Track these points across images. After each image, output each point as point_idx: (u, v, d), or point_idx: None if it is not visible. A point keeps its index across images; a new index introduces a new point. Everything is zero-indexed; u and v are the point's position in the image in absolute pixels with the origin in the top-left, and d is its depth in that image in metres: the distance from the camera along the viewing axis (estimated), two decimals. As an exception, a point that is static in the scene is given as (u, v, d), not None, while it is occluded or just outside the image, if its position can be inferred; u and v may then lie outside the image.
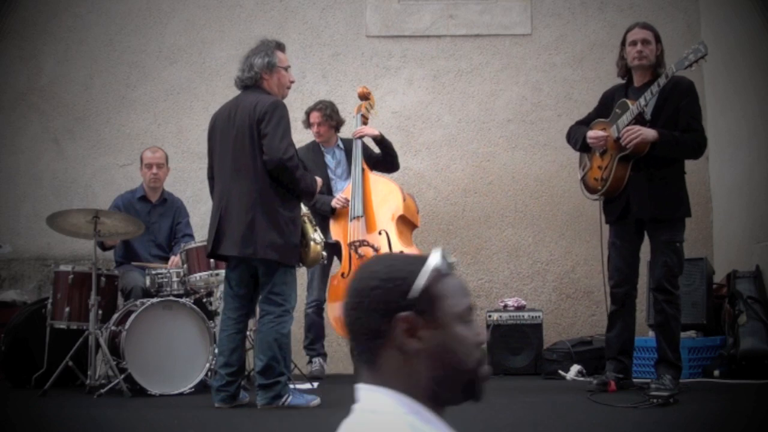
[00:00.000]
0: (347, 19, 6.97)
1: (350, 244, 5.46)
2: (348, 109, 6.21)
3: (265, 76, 4.29)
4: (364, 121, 5.88)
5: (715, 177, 6.67)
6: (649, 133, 4.43)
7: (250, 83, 4.29)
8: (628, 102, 4.56)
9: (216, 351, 4.98)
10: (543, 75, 6.90)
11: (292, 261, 4.20)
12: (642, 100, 4.48)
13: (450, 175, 6.84)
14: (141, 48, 6.95)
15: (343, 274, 5.52)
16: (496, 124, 6.88)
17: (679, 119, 4.52)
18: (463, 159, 6.85)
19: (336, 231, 5.63)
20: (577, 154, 5.02)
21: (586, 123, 4.83)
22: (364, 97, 5.92)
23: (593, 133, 4.66)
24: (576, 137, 4.81)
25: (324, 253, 4.37)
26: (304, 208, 4.34)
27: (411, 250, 5.43)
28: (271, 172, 4.12)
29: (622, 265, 4.66)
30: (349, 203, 5.57)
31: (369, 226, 5.52)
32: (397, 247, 5.42)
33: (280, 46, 4.37)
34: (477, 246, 6.76)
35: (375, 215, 5.56)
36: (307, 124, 5.89)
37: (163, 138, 6.73)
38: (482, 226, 6.79)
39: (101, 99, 6.93)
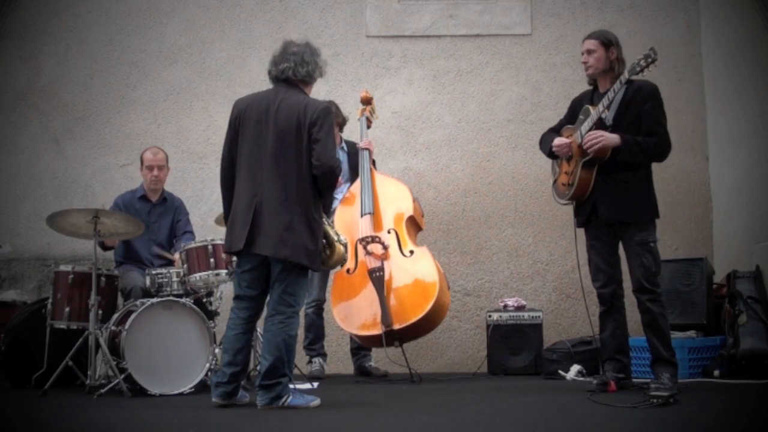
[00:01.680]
0: (347, 19, 6.97)
1: (361, 240, 5.49)
2: (348, 109, 6.21)
3: (311, 81, 4.35)
4: (368, 124, 5.97)
5: (715, 177, 6.67)
6: (612, 139, 4.50)
7: (298, 81, 4.25)
8: (590, 108, 4.65)
9: (216, 350, 5.00)
10: (543, 75, 6.90)
11: (317, 266, 4.21)
12: (600, 106, 4.57)
13: (450, 175, 6.84)
14: (141, 48, 6.95)
15: (348, 271, 5.53)
16: (496, 124, 6.88)
17: (642, 123, 4.57)
18: (463, 159, 6.85)
19: (341, 228, 5.64)
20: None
21: (556, 130, 4.93)
22: (367, 101, 6.00)
23: (557, 141, 4.76)
24: (546, 144, 4.91)
25: (347, 255, 4.38)
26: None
27: (421, 251, 5.47)
28: (318, 176, 4.11)
29: (603, 266, 4.72)
30: (360, 200, 5.61)
31: (376, 224, 5.56)
32: (407, 246, 5.46)
33: None
34: (477, 246, 6.76)
35: (382, 214, 5.61)
36: None
37: (163, 138, 6.73)
38: (482, 226, 6.79)
39: (101, 99, 6.93)
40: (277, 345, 4.08)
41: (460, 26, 6.95)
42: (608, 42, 4.68)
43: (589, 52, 4.69)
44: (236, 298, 4.31)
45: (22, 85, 6.93)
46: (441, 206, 6.76)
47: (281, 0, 7.00)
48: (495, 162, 6.85)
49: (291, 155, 4.11)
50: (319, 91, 6.75)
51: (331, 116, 4.19)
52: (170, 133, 6.86)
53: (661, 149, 4.59)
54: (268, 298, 4.27)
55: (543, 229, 6.76)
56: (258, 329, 4.89)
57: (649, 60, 4.47)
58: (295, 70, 4.24)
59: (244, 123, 4.22)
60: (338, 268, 5.55)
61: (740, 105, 6.22)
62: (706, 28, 6.78)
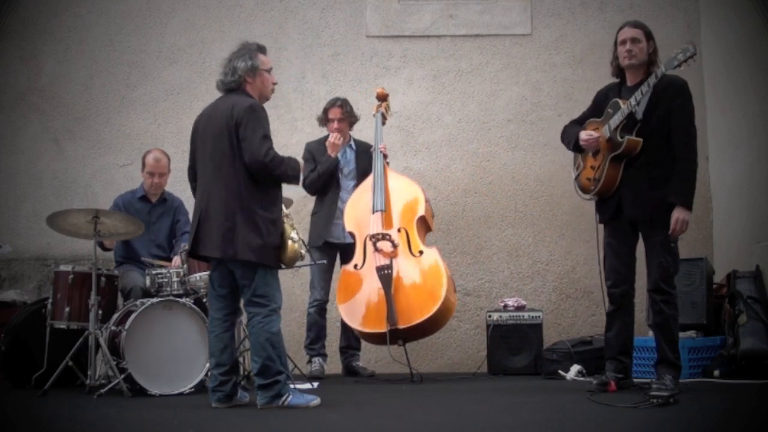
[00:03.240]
0: (347, 19, 6.98)
1: (371, 237, 5.50)
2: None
3: (248, 80, 4.33)
4: (383, 120, 6.01)
5: (715, 177, 6.67)
6: (684, 214, 4.43)
7: (234, 86, 4.33)
8: (620, 102, 4.56)
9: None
10: (543, 75, 6.90)
11: (271, 262, 4.20)
12: (633, 100, 4.48)
13: (450, 175, 6.84)
14: (141, 48, 6.96)
15: (356, 266, 5.55)
16: (496, 124, 6.88)
17: (672, 120, 4.49)
18: (463, 159, 6.85)
19: (351, 223, 5.67)
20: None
21: (580, 122, 4.84)
22: (383, 98, 6.08)
23: (585, 134, 4.67)
24: (569, 137, 4.82)
25: (302, 251, 4.36)
26: (285, 209, 4.34)
27: (430, 251, 5.49)
28: (255, 174, 4.16)
29: (618, 265, 4.67)
30: (372, 197, 5.62)
31: (387, 222, 5.58)
32: (416, 246, 5.48)
33: (262, 49, 4.40)
34: (477, 246, 6.76)
35: (394, 212, 5.63)
36: (324, 120, 5.96)
37: (163, 138, 6.73)
38: (482, 226, 6.79)
39: (101, 99, 6.93)
40: (262, 345, 4.10)
41: (460, 26, 6.95)
42: (650, 34, 4.60)
43: (634, 41, 4.56)
44: (210, 299, 4.37)
45: (22, 85, 6.94)
46: (441, 206, 6.75)
47: (281, 0, 7.00)
48: (495, 162, 6.85)
49: (226, 157, 4.18)
50: (319, 91, 6.81)
51: (257, 112, 4.20)
52: (170, 133, 6.86)
53: (693, 165, 4.50)
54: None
55: (543, 229, 6.76)
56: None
57: (689, 54, 4.37)
58: (224, 81, 4.38)
59: (196, 137, 4.40)
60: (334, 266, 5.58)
61: (740, 105, 6.22)
62: (706, 28, 6.78)
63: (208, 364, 4.95)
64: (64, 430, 3.82)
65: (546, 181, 6.76)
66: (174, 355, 4.93)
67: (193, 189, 4.43)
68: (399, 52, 6.94)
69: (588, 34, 6.88)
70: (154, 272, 5.22)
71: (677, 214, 4.42)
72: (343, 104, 5.93)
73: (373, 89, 6.48)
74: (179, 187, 6.38)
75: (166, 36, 6.97)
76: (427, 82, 6.93)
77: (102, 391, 4.75)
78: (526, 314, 5.96)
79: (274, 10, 6.99)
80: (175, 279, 5.19)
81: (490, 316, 5.99)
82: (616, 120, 4.53)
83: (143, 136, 6.82)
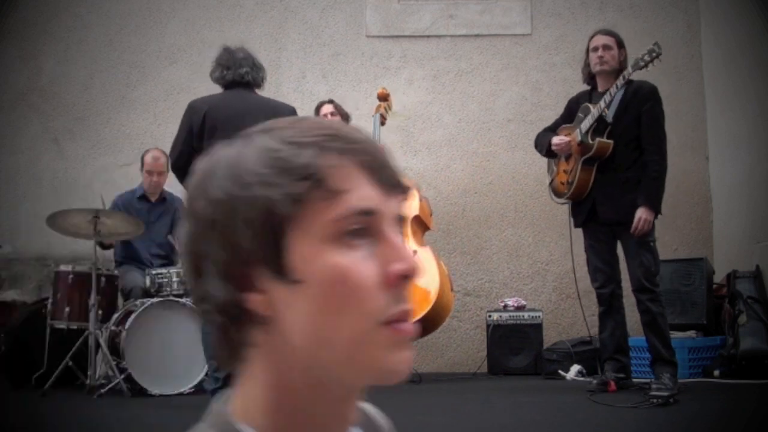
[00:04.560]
0: (347, 19, 6.98)
1: None
2: (348, 108, 6.20)
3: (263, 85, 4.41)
4: (383, 121, 6.01)
5: (715, 177, 6.67)
6: (647, 214, 4.43)
7: (260, 83, 4.33)
8: (590, 106, 4.64)
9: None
10: (543, 75, 6.90)
11: None
12: (602, 103, 4.55)
13: (450, 175, 6.84)
14: (141, 48, 6.96)
15: None
16: (496, 124, 6.88)
17: (642, 123, 4.54)
18: (463, 159, 6.85)
19: None
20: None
21: (552, 129, 4.93)
22: (384, 98, 6.05)
23: (557, 139, 4.75)
24: (542, 144, 4.90)
25: None
26: None
27: (424, 251, 5.47)
28: None
29: (602, 266, 4.71)
30: None
31: None
32: (411, 245, 5.46)
33: None
34: (477, 246, 6.76)
35: None
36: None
37: (163, 138, 6.71)
38: (482, 226, 6.79)
39: (101, 99, 6.93)
40: None
41: (460, 26, 6.95)
42: (621, 42, 4.68)
43: (606, 47, 4.63)
44: None
45: (22, 85, 6.93)
46: (441, 206, 6.75)
47: (281, 0, 7.00)
48: (495, 162, 6.85)
49: None
50: (319, 91, 6.81)
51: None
52: (170, 133, 6.80)
53: (662, 167, 4.53)
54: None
55: (543, 229, 6.76)
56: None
57: (654, 55, 4.45)
58: (253, 75, 4.30)
59: (213, 126, 4.23)
60: None
61: (740, 105, 6.22)
62: (706, 28, 6.78)
63: (206, 366, 4.95)
64: (64, 430, 3.82)
65: (546, 181, 6.75)
66: (174, 355, 4.93)
67: (180, 177, 4.32)
68: (399, 52, 6.94)
69: (588, 34, 6.83)
70: (154, 272, 5.22)
71: (640, 214, 4.45)
72: (333, 101, 5.96)
73: (374, 89, 6.49)
74: (179, 187, 6.39)
75: (166, 36, 6.97)
76: (427, 82, 6.92)
77: (102, 391, 4.75)
78: (526, 314, 5.96)
79: (274, 10, 6.99)
80: (175, 279, 5.19)
81: (490, 316, 5.99)
82: (587, 123, 4.61)
83: (143, 136, 6.82)
